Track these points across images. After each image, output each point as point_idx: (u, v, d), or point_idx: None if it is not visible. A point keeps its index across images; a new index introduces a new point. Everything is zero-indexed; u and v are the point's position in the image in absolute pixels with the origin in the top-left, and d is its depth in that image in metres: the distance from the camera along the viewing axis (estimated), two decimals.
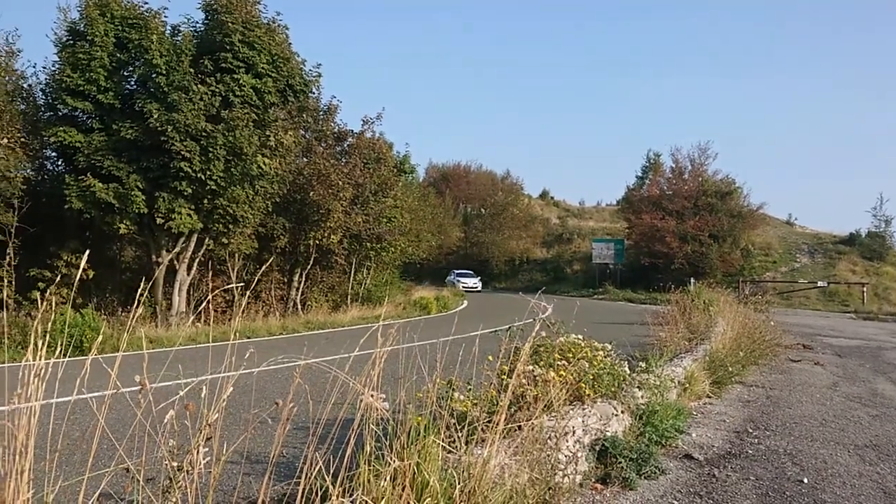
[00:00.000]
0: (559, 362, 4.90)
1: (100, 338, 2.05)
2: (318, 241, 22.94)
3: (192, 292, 19.68)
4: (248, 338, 15.45)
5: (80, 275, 16.84)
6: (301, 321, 19.71)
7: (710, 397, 8.40)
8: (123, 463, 2.17)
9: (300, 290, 24.18)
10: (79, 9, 16.90)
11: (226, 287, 19.03)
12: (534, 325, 4.34)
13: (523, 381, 3.82)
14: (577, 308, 7.66)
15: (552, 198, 73.90)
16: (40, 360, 1.76)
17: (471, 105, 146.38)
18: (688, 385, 7.97)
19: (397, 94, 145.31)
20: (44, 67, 19.13)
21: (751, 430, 6.72)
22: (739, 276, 38.68)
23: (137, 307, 2.59)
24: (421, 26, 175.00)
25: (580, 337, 5.79)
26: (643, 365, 7.00)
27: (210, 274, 21.19)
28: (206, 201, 17.34)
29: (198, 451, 2.37)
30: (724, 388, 8.96)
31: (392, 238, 26.11)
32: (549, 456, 3.61)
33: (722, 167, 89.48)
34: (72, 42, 16.80)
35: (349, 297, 25.76)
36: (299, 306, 23.63)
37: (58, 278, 16.29)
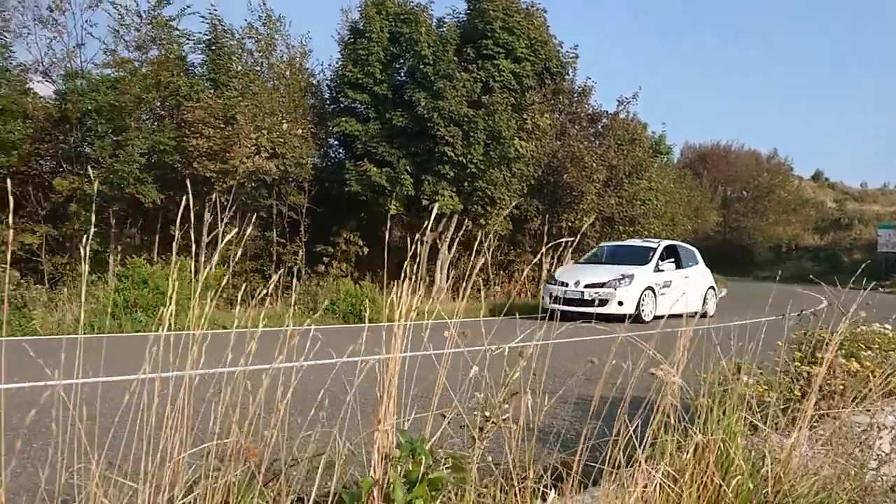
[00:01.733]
0: (864, 352, 4.39)
1: (403, 307, 2.31)
2: (570, 224, 22.95)
3: (450, 270, 20.86)
4: (504, 314, 15.97)
5: (356, 250, 18.88)
6: None
7: None
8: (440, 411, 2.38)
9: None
10: (359, 9, 18.67)
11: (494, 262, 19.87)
12: (829, 313, 3.93)
13: (831, 370, 3.49)
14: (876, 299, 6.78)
15: (827, 179, 66.72)
16: (402, 321, 2.04)
17: (733, 80, 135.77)
18: None
19: (653, 71, 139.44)
20: (329, 65, 21.34)
21: None
22: None
23: (463, 282, 2.83)
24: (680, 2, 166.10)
25: (888, 327, 5.12)
26: None
27: (468, 253, 22.31)
28: (466, 184, 18.23)
29: (501, 406, 2.53)
30: None
31: (646, 221, 25.37)
32: (862, 453, 3.26)
33: None
34: (352, 40, 18.60)
35: None
36: None
37: (338, 253, 18.37)
